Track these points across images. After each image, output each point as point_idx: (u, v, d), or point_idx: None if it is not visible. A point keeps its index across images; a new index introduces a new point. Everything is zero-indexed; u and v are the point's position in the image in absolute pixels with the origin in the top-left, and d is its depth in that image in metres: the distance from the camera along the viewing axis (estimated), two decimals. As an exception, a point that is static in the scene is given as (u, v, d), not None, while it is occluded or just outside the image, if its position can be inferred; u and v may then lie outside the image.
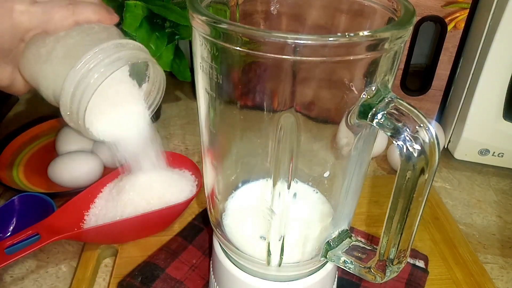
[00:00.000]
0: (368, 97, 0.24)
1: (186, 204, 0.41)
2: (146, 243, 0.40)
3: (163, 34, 0.49)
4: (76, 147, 0.49)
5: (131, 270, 0.37)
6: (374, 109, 0.23)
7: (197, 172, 0.45)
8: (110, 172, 0.48)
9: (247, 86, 0.27)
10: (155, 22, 0.49)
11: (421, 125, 0.22)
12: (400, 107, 0.23)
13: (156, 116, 0.61)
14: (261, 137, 0.31)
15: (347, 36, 0.21)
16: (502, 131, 0.49)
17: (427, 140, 0.22)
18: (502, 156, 0.51)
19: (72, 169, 0.46)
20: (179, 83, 0.68)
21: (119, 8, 0.47)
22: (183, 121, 0.61)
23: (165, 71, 0.52)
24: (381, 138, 0.53)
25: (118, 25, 0.51)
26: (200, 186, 0.43)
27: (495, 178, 0.52)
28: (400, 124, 0.22)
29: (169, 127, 0.60)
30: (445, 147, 0.55)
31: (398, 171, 0.24)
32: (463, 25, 0.50)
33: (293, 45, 0.21)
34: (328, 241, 0.31)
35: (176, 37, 0.52)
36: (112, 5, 0.47)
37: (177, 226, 0.42)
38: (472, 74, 0.49)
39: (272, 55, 0.22)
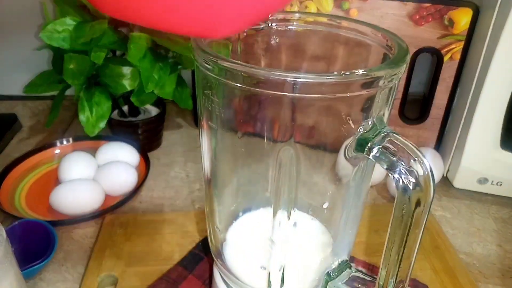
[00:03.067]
0: (365, 131, 0.25)
1: None
2: (146, 272, 0.40)
3: (166, 64, 0.51)
4: (78, 175, 0.49)
5: (130, 300, 0.37)
6: (370, 143, 0.24)
7: None
8: (112, 199, 0.48)
9: (248, 120, 0.28)
10: (159, 53, 0.50)
11: (416, 158, 0.23)
12: (395, 141, 0.24)
13: (157, 143, 0.62)
14: (262, 168, 0.31)
15: (343, 75, 0.22)
16: (500, 160, 0.50)
17: (421, 173, 0.23)
18: (500, 185, 0.51)
19: (74, 196, 0.46)
20: (180, 111, 0.69)
21: (123, 40, 0.49)
22: (184, 148, 0.62)
23: (167, 99, 0.54)
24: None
25: (122, 55, 0.53)
26: None
27: (494, 206, 0.52)
28: (395, 158, 0.23)
29: (170, 154, 0.60)
30: (444, 175, 0.55)
31: (394, 204, 0.24)
32: (459, 56, 0.52)
33: (292, 83, 0.22)
34: (328, 272, 0.31)
35: (179, 67, 0.53)
36: (117, 37, 0.49)
37: (178, 255, 0.42)
38: (469, 103, 0.50)
39: (273, 92, 0.23)
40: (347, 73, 0.22)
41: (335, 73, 0.22)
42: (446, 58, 0.52)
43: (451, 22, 0.50)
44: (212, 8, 0.19)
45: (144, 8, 0.19)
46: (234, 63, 0.23)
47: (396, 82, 0.25)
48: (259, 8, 0.20)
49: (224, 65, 0.23)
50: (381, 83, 0.23)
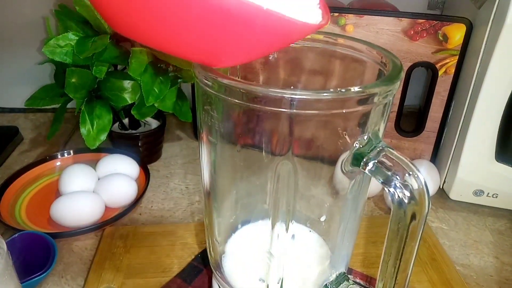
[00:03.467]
0: (360, 146, 0.26)
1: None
2: (145, 285, 0.40)
3: (167, 78, 0.51)
4: (79, 187, 0.50)
5: (130, 312, 0.37)
6: (365, 158, 0.25)
7: None
8: (112, 211, 0.49)
9: (247, 134, 0.28)
10: (159, 67, 0.51)
11: (410, 173, 0.24)
12: (391, 156, 0.24)
13: (157, 155, 0.62)
14: (260, 181, 0.32)
15: (339, 92, 0.23)
16: (495, 173, 0.50)
17: (416, 186, 0.23)
18: (496, 196, 0.52)
19: (74, 209, 0.46)
20: (180, 123, 0.70)
21: (124, 54, 0.50)
22: (184, 160, 0.62)
23: (167, 112, 0.55)
24: (378, 178, 0.54)
25: (124, 69, 0.54)
26: None
27: (490, 218, 0.52)
28: (390, 173, 0.24)
29: (170, 166, 0.61)
30: (441, 187, 0.55)
31: (390, 217, 0.25)
32: (453, 70, 0.53)
33: (289, 100, 0.23)
34: (326, 284, 0.32)
35: (179, 80, 0.54)
36: (119, 52, 0.50)
37: (177, 267, 0.42)
38: (464, 116, 0.51)
39: (271, 108, 0.24)
40: (343, 90, 0.23)
41: (331, 90, 0.23)
42: (440, 72, 0.53)
43: (445, 37, 0.51)
44: (216, 43, 0.20)
45: (155, 34, 0.20)
46: (234, 80, 0.24)
47: (391, 98, 0.26)
48: (261, 49, 0.21)
49: (224, 82, 0.24)
50: (376, 99, 0.24)
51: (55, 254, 0.41)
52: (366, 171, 0.25)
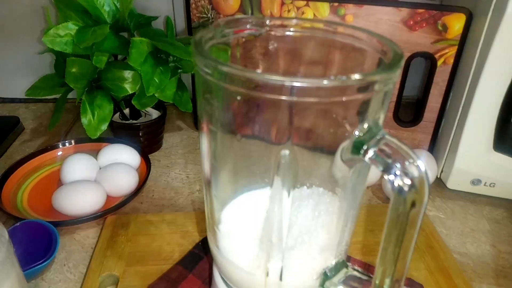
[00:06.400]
0: (361, 134, 0.26)
1: None
2: (147, 272, 0.41)
3: (167, 68, 0.52)
4: (80, 177, 0.50)
5: (132, 299, 0.37)
6: (365, 146, 0.25)
7: None
8: (113, 200, 0.49)
9: (247, 123, 0.29)
10: (159, 57, 0.51)
11: (411, 160, 0.24)
12: (391, 144, 0.25)
13: (158, 145, 0.63)
14: (260, 170, 0.32)
15: (339, 80, 0.23)
16: (493, 162, 0.51)
17: (416, 174, 0.24)
18: (493, 186, 0.52)
19: (76, 198, 0.47)
20: (181, 114, 0.70)
21: (125, 44, 0.50)
22: (184, 150, 0.63)
23: (168, 102, 0.55)
24: (377, 168, 0.54)
25: (124, 59, 0.54)
26: None
27: (487, 207, 0.53)
28: (390, 161, 0.24)
29: (171, 156, 0.61)
30: (438, 177, 0.56)
31: (390, 205, 0.25)
32: (452, 60, 0.53)
33: (289, 87, 0.23)
34: (325, 272, 0.32)
35: (179, 70, 0.54)
36: (119, 41, 0.50)
37: (178, 255, 0.43)
38: (462, 107, 0.51)
39: (271, 96, 0.24)
40: (343, 77, 0.23)
41: (332, 77, 0.23)
42: (439, 63, 0.53)
43: (445, 27, 0.51)
44: None
45: None
46: (233, 68, 0.24)
47: (391, 86, 0.26)
48: None
49: (224, 70, 0.24)
50: (376, 87, 0.24)
51: (57, 242, 0.41)
52: (366, 159, 0.25)
